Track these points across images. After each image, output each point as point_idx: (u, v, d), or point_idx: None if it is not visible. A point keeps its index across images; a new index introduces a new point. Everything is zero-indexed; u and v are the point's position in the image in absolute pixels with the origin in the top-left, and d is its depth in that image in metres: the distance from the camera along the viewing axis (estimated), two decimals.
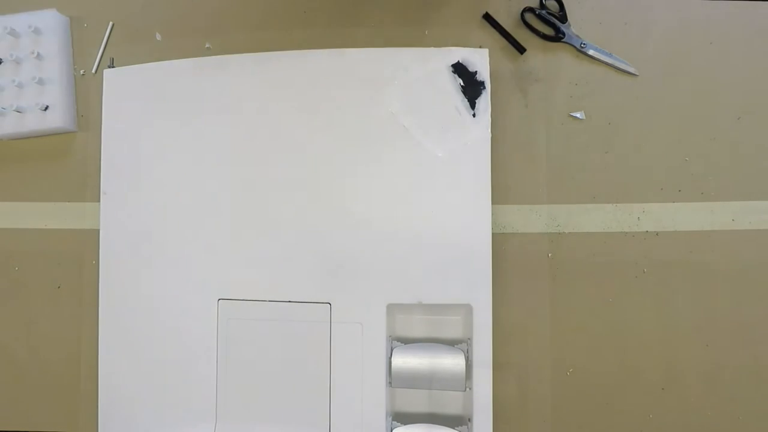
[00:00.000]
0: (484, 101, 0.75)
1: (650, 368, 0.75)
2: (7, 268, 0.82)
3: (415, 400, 0.74)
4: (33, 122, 0.80)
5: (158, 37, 0.82)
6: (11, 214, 0.83)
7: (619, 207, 0.77)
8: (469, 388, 0.72)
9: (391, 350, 0.73)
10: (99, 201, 0.78)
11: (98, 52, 0.82)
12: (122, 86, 0.80)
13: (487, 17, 0.78)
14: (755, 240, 0.75)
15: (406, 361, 0.72)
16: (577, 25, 0.78)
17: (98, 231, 0.78)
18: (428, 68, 0.75)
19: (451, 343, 0.74)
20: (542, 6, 0.78)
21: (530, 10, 0.78)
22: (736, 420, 0.74)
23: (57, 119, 0.79)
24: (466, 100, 0.75)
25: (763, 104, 0.77)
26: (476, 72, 0.75)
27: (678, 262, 0.76)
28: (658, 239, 0.76)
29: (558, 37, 0.78)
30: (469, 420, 0.72)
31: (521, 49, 0.77)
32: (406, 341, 0.74)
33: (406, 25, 0.80)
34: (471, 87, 0.75)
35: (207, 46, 0.81)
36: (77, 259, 0.80)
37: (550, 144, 0.77)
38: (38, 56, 0.79)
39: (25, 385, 0.81)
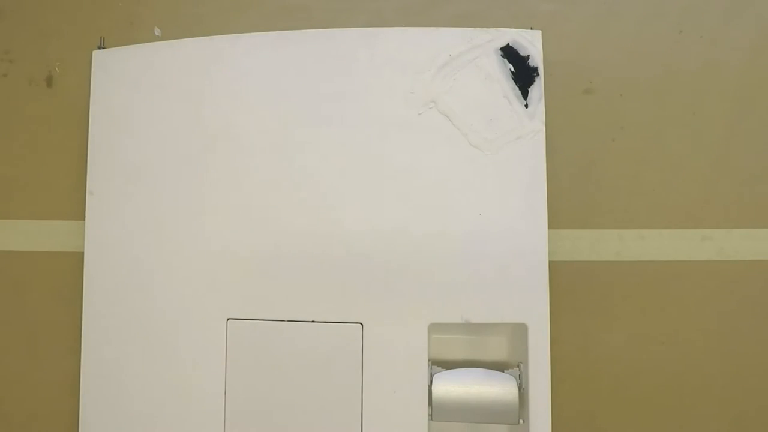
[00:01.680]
0: (538, 90, 0.67)
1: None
2: (8, 287, 0.82)
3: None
4: None
5: (157, 32, 0.82)
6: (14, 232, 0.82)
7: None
8: (523, 421, 0.64)
9: (431, 377, 0.65)
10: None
11: None
12: (114, 70, 0.74)
13: None
14: None
15: (449, 389, 0.64)
16: None
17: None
18: (473, 51, 0.68)
19: (497, 367, 0.66)
20: None
21: None
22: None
23: None
24: (517, 88, 0.67)
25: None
26: (528, 56, 0.67)
27: (739, 291, 0.76)
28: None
29: None
30: None
31: None
32: (446, 365, 0.67)
33: None
34: (522, 73, 0.67)
35: None
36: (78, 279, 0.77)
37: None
38: None
39: (23, 402, 0.81)
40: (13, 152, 0.83)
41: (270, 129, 0.71)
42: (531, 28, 0.69)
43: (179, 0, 0.83)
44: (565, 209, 0.76)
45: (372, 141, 0.69)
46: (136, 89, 0.75)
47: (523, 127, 0.67)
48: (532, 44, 0.68)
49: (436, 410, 0.65)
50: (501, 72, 0.68)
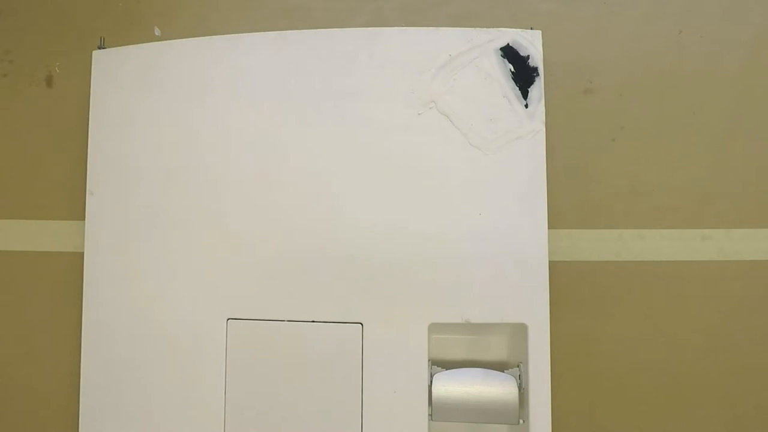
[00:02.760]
0: (537, 90, 0.67)
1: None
2: (8, 287, 0.82)
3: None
4: None
5: (157, 32, 0.82)
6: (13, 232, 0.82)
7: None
8: (523, 421, 0.65)
9: (431, 377, 0.66)
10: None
11: None
12: (114, 70, 0.74)
13: None
14: None
15: (449, 389, 0.64)
16: None
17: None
18: (473, 51, 0.68)
19: (497, 367, 0.67)
20: None
21: None
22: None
23: None
24: (517, 88, 0.68)
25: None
26: (528, 56, 0.68)
27: (739, 291, 0.75)
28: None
29: None
30: None
31: None
32: (446, 365, 0.67)
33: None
34: (522, 73, 0.68)
35: None
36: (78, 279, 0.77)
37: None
38: None
39: (22, 403, 0.80)
40: (13, 152, 0.83)
41: (269, 129, 0.71)
42: (531, 28, 0.69)
43: (179, 0, 0.83)
44: (565, 209, 0.76)
45: (372, 141, 0.69)
46: (136, 89, 0.74)
47: (522, 127, 0.68)
48: (532, 44, 0.68)
49: (436, 410, 0.65)
50: (501, 72, 0.68)
